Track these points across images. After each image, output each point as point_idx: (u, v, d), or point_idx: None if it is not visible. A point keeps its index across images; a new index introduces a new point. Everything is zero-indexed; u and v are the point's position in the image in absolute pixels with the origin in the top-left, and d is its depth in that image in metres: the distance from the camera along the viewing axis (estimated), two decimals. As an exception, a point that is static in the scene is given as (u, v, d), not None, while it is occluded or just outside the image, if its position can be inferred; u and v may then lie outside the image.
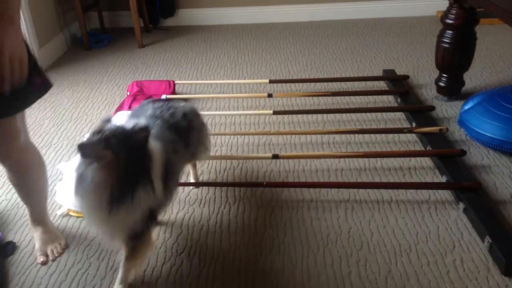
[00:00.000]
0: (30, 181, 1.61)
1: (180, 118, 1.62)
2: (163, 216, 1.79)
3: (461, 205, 1.79)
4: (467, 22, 2.39)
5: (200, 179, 2.08)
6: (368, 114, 2.51)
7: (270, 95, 2.64)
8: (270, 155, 2.08)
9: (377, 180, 2.01)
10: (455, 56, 2.48)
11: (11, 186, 2.05)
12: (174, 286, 1.53)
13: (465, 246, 1.63)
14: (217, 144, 2.33)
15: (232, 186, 1.99)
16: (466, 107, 2.25)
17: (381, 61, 3.22)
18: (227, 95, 2.81)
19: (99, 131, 1.30)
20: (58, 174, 2.13)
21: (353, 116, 2.51)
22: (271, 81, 2.85)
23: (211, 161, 2.18)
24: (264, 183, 1.96)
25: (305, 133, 2.35)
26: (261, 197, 1.92)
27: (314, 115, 2.53)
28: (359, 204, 1.86)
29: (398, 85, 2.77)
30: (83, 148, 1.28)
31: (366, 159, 2.12)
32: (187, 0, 4.14)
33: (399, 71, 3.00)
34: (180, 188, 1.99)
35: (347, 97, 2.71)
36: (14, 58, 1.23)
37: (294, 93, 2.75)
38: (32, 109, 2.78)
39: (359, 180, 2.01)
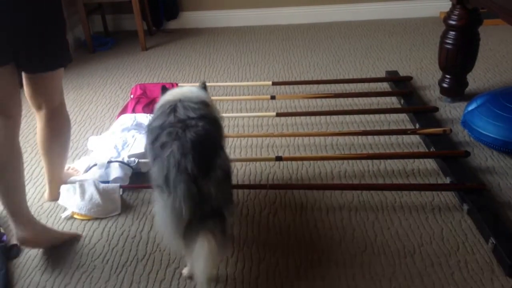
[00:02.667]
0: (57, 142, 1.86)
1: None
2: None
3: (465, 207, 1.78)
4: (470, 23, 2.39)
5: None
6: (371, 116, 2.51)
7: (273, 97, 2.65)
8: (273, 157, 2.08)
9: (380, 181, 2.01)
10: (458, 57, 2.47)
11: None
12: (178, 289, 1.54)
13: (469, 248, 1.63)
14: (221, 146, 2.34)
15: (236, 188, 1.99)
16: (470, 108, 2.25)
17: (384, 63, 3.21)
18: (230, 97, 2.82)
19: None
20: (62, 177, 2.14)
21: (356, 117, 2.51)
22: (274, 83, 2.85)
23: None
24: (268, 185, 1.97)
25: (308, 135, 2.35)
26: (265, 199, 1.92)
27: (317, 117, 2.53)
28: (363, 206, 1.86)
29: (401, 86, 2.77)
30: None
31: (369, 161, 2.12)
32: (190, 3, 4.15)
33: (402, 73, 3.00)
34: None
35: (350, 99, 2.71)
36: None
37: (297, 95, 2.75)
38: (36, 112, 2.79)
39: (363, 182, 2.01)
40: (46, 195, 2.01)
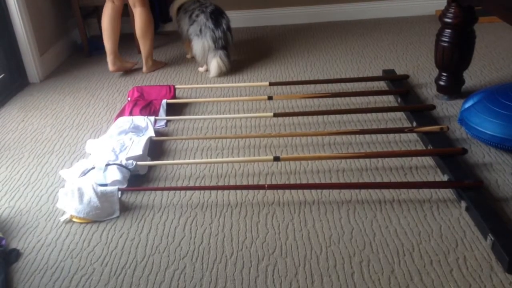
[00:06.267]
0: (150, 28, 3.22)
1: None
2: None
3: (463, 204, 1.79)
4: (465, 21, 2.40)
5: (202, 183, 2.08)
6: (369, 115, 2.51)
7: (270, 98, 2.65)
8: (271, 157, 2.08)
9: (378, 180, 2.01)
10: (454, 55, 2.48)
11: (14, 193, 2.07)
12: (178, 290, 1.54)
13: (467, 245, 1.63)
14: (218, 147, 2.34)
15: (234, 189, 2.00)
16: (467, 105, 2.25)
17: (380, 61, 3.22)
18: (228, 98, 2.82)
19: None
20: (61, 181, 2.14)
21: (354, 116, 2.51)
22: (271, 84, 2.86)
23: (212, 164, 2.19)
24: (266, 185, 1.97)
25: (306, 135, 2.35)
26: (263, 200, 1.93)
27: (315, 117, 2.54)
28: (361, 204, 1.86)
29: (398, 84, 2.77)
30: None
31: (367, 160, 2.12)
32: (186, 5, 4.15)
33: (399, 71, 3.01)
34: (182, 192, 2.00)
35: (347, 98, 2.71)
36: None
37: (294, 95, 2.76)
38: (34, 116, 2.80)
39: (361, 181, 2.01)
40: (144, 69, 3.33)
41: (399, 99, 2.62)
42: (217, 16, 3.12)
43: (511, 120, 2.03)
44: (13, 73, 3.21)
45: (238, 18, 4.15)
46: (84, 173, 2.04)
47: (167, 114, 2.65)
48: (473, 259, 1.57)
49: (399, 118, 2.48)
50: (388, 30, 3.81)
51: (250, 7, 4.15)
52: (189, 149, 2.35)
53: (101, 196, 1.89)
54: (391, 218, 1.78)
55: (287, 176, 2.08)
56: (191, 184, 2.08)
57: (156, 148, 2.34)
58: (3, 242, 1.77)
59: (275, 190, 1.96)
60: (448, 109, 2.53)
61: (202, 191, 2.00)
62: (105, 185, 1.98)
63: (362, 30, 3.86)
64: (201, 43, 3.10)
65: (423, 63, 3.14)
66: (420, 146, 2.22)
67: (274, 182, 2.05)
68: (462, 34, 2.44)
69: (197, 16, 3.11)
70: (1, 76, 3.14)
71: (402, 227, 1.73)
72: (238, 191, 1.98)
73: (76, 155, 2.36)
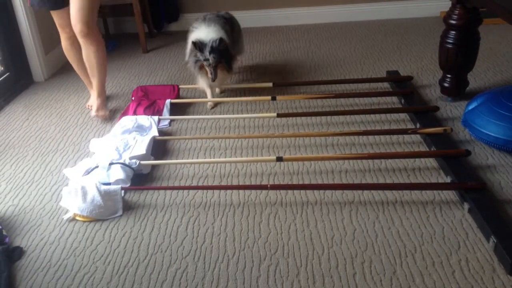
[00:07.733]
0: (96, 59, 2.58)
1: None
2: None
3: (466, 205, 1.78)
4: (470, 22, 2.39)
5: (205, 182, 2.09)
6: (372, 116, 2.51)
7: (273, 98, 2.65)
8: (274, 157, 2.09)
9: (381, 181, 2.01)
10: (458, 57, 2.47)
11: (18, 191, 2.09)
12: (180, 289, 1.54)
13: (470, 246, 1.63)
14: (222, 147, 2.34)
15: (237, 189, 2.00)
16: (470, 107, 2.25)
17: (384, 63, 3.22)
18: (231, 98, 2.82)
19: None
20: (64, 179, 2.15)
21: (357, 117, 2.51)
22: (274, 84, 2.86)
23: (215, 164, 2.19)
24: (269, 185, 1.97)
25: (309, 135, 2.35)
26: (266, 200, 1.93)
27: (318, 117, 2.54)
28: (364, 205, 1.86)
29: (402, 86, 2.77)
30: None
31: (370, 161, 2.12)
32: (190, 5, 4.17)
33: (403, 72, 3.00)
34: (185, 192, 2.01)
35: (351, 99, 2.71)
36: None
37: (297, 96, 2.76)
38: (38, 115, 2.81)
39: (364, 182, 2.01)
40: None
41: (402, 100, 2.62)
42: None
43: (515, 122, 2.02)
44: (18, 71, 3.23)
45: (242, 19, 4.16)
46: (88, 172, 2.05)
47: (170, 114, 2.66)
48: (475, 261, 1.57)
49: (403, 120, 2.47)
50: (392, 31, 3.80)
51: (255, 8, 4.15)
52: (192, 149, 2.35)
53: (105, 195, 1.90)
54: (394, 219, 1.78)
55: (289, 177, 2.08)
56: (194, 183, 2.08)
57: (159, 147, 2.35)
58: (7, 239, 1.78)
59: (278, 190, 1.97)
60: (451, 110, 2.52)
61: (205, 191, 2.00)
62: (109, 184, 1.99)
63: (366, 31, 3.85)
64: None
65: (427, 64, 3.13)
66: (423, 148, 2.22)
67: (276, 182, 2.05)
68: (467, 35, 2.43)
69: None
70: (6, 74, 3.16)
71: (405, 228, 1.73)
72: (241, 191, 1.99)
73: (80, 154, 2.37)
